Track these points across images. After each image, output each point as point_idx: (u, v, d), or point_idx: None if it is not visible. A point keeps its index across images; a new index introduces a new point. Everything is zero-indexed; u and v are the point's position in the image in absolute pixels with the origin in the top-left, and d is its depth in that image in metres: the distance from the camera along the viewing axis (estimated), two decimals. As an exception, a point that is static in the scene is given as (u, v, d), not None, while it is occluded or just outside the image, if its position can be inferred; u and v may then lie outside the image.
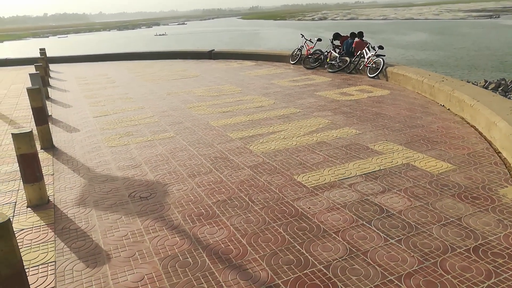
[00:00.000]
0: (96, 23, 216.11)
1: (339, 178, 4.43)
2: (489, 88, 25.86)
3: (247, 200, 4.03)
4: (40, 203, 4.15)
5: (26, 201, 4.19)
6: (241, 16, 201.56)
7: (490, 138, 5.39)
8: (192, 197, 4.15)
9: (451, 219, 3.49)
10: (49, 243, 3.45)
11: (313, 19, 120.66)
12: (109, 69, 15.17)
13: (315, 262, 3.00)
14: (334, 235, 3.36)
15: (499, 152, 4.96)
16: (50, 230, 3.65)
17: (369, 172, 4.55)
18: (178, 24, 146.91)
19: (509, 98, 21.99)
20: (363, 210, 3.72)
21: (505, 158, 4.74)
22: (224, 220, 3.67)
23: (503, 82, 27.55)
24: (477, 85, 26.89)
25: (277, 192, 4.18)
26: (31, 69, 14.87)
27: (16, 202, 4.26)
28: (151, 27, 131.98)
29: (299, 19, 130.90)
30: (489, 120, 5.46)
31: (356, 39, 11.22)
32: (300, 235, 3.37)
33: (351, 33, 11.53)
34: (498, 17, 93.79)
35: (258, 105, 7.94)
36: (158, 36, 77.97)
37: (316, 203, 3.91)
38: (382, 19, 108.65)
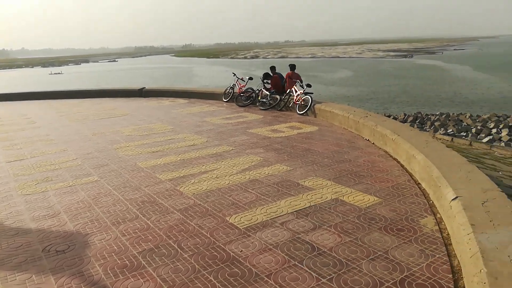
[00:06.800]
0: (18, 59, 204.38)
1: (271, 217, 4.38)
2: (408, 121, 28.06)
3: (176, 247, 3.82)
4: None
5: None
6: (174, 54, 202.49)
7: (411, 170, 5.71)
8: (115, 247, 3.84)
9: (379, 253, 3.56)
10: None
11: (245, 57, 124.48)
12: (31, 108, 14.21)
13: (247, 311, 2.85)
14: (266, 278, 3.25)
15: (419, 183, 5.25)
16: None
17: (300, 209, 4.56)
18: (108, 61, 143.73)
19: (425, 129, 24.02)
20: (295, 250, 3.68)
21: (424, 189, 5.02)
22: (150, 271, 3.42)
23: (419, 115, 30.10)
24: (397, 118, 29.11)
25: (208, 236, 4.02)
26: None
27: None
28: (80, 64, 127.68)
29: (232, 57, 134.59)
30: (409, 153, 5.81)
31: (288, 71, 11.77)
32: (231, 282, 3.22)
33: (271, 66, 12.36)
34: (412, 56, 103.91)
35: (190, 144, 7.80)
36: (53, 75, 73.51)
37: (248, 245, 3.81)
38: (310, 57, 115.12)
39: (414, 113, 29.18)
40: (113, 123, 10.36)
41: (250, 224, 4.23)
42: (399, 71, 67.99)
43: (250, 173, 5.91)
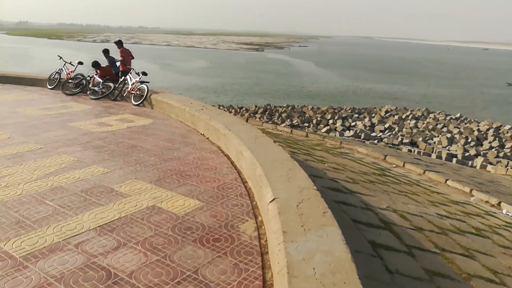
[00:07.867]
0: None
1: (66, 237, 3.52)
2: (259, 112, 29.25)
3: None
4: None
5: None
6: (5, 32, 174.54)
7: (240, 167, 5.44)
8: None
9: (188, 273, 3.06)
10: None
11: (94, 41, 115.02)
12: None
13: None
14: (32, 330, 2.44)
15: (246, 181, 4.99)
16: None
17: (106, 223, 3.79)
18: None
19: (274, 121, 25.31)
20: (84, 280, 2.92)
21: (249, 188, 4.76)
22: None
23: (268, 107, 31.77)
24: (249, 110, 30.10)
25: (-36, 273, 2.96)
26: None
27: None
28: None
29: (78, 40, 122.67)
30: (238, 149, 5.52)
31: (119, 49, 10.82)
32: None
33: (104, 49, 11.05)
34: (263, 50, 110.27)
35: (-16, 142, 6.21)
36: None
37: (21, 281, 2.90)
38: (166, 45, 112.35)
39: (264, 105, 30.66)
40: None
41: (32, 251, 3.29)
42: (252, 64, 71.27)
43: (55, 178, 4.85)
